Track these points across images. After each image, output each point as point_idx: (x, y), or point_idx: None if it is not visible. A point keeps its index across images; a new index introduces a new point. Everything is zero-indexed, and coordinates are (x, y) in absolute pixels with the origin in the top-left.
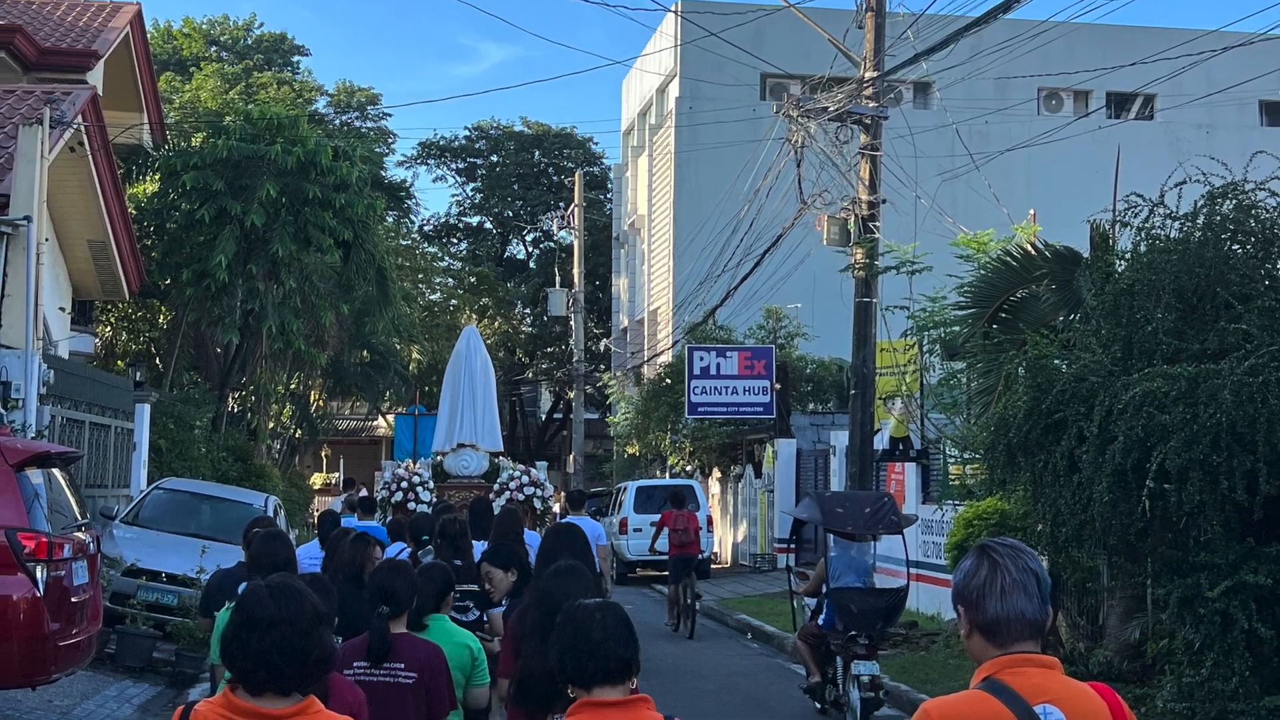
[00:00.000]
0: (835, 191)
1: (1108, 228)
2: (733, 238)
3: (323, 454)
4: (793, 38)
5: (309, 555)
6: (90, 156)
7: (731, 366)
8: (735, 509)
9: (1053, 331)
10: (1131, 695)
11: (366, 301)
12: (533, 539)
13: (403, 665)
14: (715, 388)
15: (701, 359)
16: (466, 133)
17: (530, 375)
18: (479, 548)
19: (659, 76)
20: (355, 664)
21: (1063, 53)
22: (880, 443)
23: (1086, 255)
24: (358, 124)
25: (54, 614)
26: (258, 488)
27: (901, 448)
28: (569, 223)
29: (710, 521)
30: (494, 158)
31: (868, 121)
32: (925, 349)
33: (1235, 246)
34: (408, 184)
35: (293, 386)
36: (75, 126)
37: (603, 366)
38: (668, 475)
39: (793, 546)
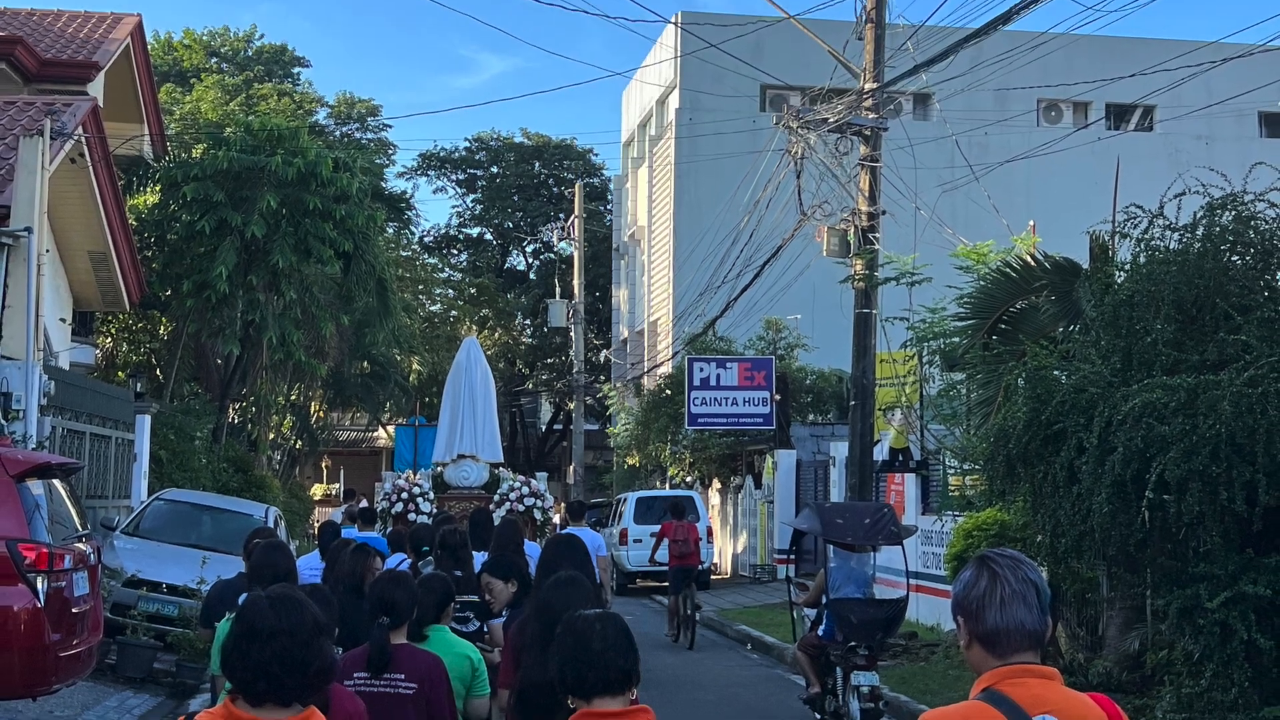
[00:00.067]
0: (835, 203)
1: (1107, 239)
2: (733, 249)
3: (323, 465)
4: (792, 49)
5: (309, 566)
6: (91, 168)
7: (731, 377)
8: (735, 520)
9: (1052, 342)
10: (1131, 706)
11: (367, 313)
12: (533, 550)
13: (403, 676)
14: (715, 399)
15: (701, 370)
16: (466, 144)
17: (530, 386)
18: (479, 559)
19: (659, 88)
20: (355, 675)
21: (1062, 64)
22: (880, 454)
23: (1086, 266)
24: (358, 135)
25: (55, 625)
26: (258, 499)
27: (901, 459)
28: (569, 234)
29: (710, 532)
30: (494, 169)
31: (867, 133)
32: (925, 360)
33: (1235, 258)
34: (408, 195)
35: (293, 397)
36: (76, 138)
37: (603, 377)
38: (668, 486)
39: (792, 557)
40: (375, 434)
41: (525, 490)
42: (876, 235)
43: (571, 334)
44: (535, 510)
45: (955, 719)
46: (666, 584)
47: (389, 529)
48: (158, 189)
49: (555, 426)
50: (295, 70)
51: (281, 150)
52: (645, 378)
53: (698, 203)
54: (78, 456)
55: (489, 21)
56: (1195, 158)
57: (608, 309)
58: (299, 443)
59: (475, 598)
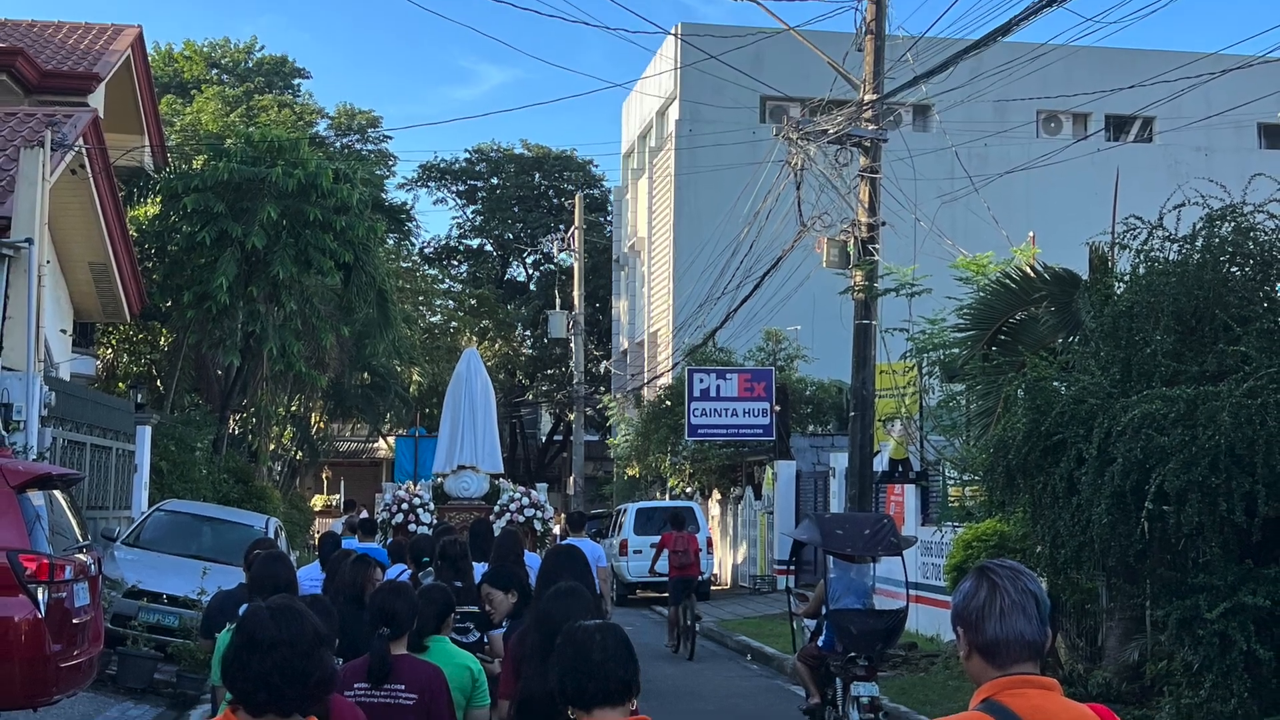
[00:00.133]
0: (835, 214)
1: (1106, 250)
2: (732, 260)
3: (323, 476)
4: (792, 60)
5: (310, 577)
6: (91, 179)
7: (731, 388)
8: (735, 531)
9: (1052, 353)
10: (1130, 717)
11: (367, 324)
12: (533, 561)
13: (403, 686)
14: (715, 410)
15: (701, 381)
16: (467, 155)
17: (530, 397)
18: (479, 569)
19: (659, 99)
20: (356, 685)
21: (1061, 75)
22: (880, 464)
23: (1085, 277)
24: (358, 146)
25: (55, 635)
26: (258, 509)
27: (901, 469)
28: (569, 245)
29: (710, 543)
30: (494, 180)
31: (867, 144)
32: (924, 371)
33: (1234, 269)
34: (408, 206)
35: (293, 408)
36: (76, 149)
37: (603, 388)
38: (668, 497)
39: (792, 568)
40: (375, 445)
41: (525, 501)
42: (876, 246)
43: (571, 345)
44: (535, 521)
45: None
46: (666, 595)
47: (389, 540)
48: (158, 200)
49: (555, 437)
50: (296, 82)
51: (282, 161)
52: (645, 389)
53: (698, 214)
54: (78, 467)
55: (489, 33)
56: (1194, 169)
57: (608, 320)
58: (299, 454)
59: (475, 608)
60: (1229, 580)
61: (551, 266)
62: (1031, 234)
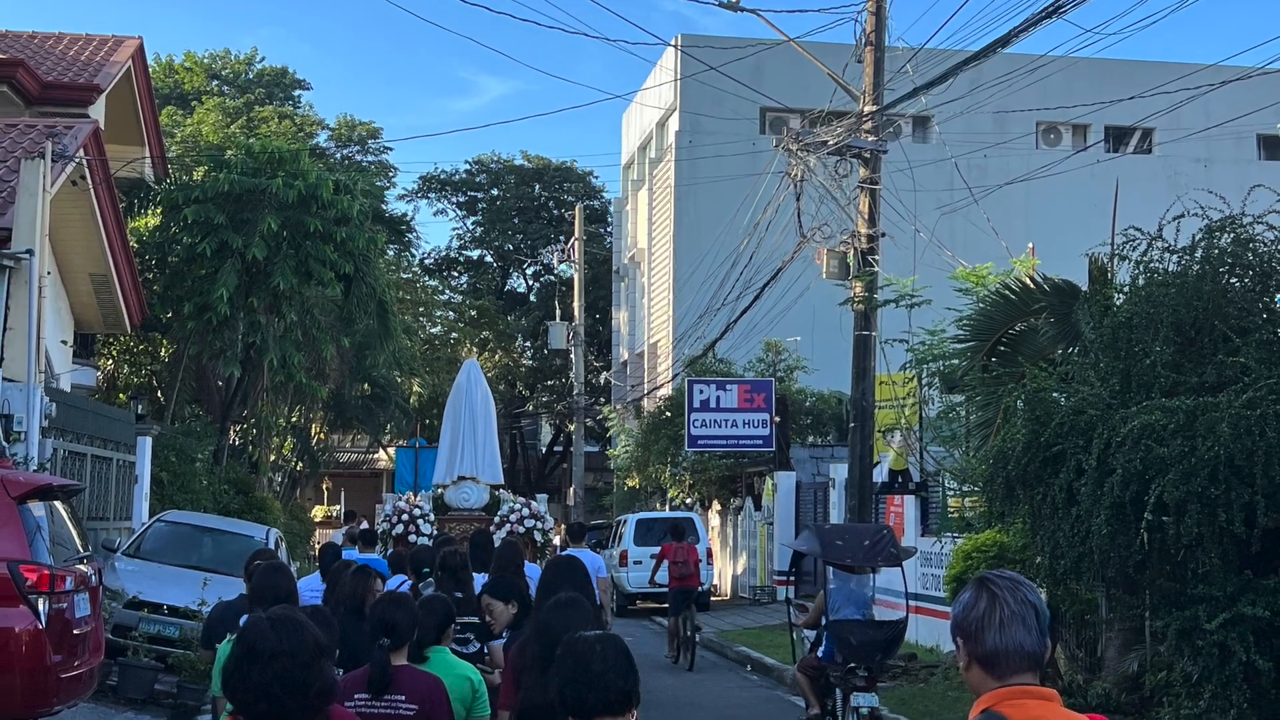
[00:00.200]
0: (834, 225)
1: (1106, 261)
2: (732, 271)
3: (324, 487)
4: (792, 72)
5: (310, 587)
6: (92, 190)
7: (731, 399)
8: (735, 541)
9: (1051, 364)
10: None
11: (367, 335)
12: (533, 571)
13: (404, 697)
14: (715, 421)
15: (701, 392)
16: (467, 166)
17: (530, 408)
18: (480, 580)
19: (659, 110)
20: (356, 696)
21: (1061, 87)
22: (879, 475)
23: (1085, 289)
24: (359, 158)
25: (56, 646)
26: (259, 520)
27: (901, 480)
28: (569, 256)
29: (710, 554)
30: (494, 191)
31: (867, 155)
32: (924, 382)
33: (1233, 280)
34: (408, 217)
35: (294, 419)
36: (77, 160)
37: (603, 399)
38: (668, 508)
39: (792, 579)
40: (376, 456)
41: (525, 512)
42: (876, 257)
43: (572, 356)
44: (535, 532)
45: None
46: (666, 605)
47: (390, 551)
48: (159, 211)
49: (555, 448)
50: (296, 93)
51: (282, 173)
52: (645, 399)
53: (697, 225)
54: (79, 478)
55: (489, 44)
56: (1194, 180)
57: (608, 331)
58: (300, 464)
59: (476, 619)
60: (1228, 591)
61: (551, 278)
62: (1031, 245)
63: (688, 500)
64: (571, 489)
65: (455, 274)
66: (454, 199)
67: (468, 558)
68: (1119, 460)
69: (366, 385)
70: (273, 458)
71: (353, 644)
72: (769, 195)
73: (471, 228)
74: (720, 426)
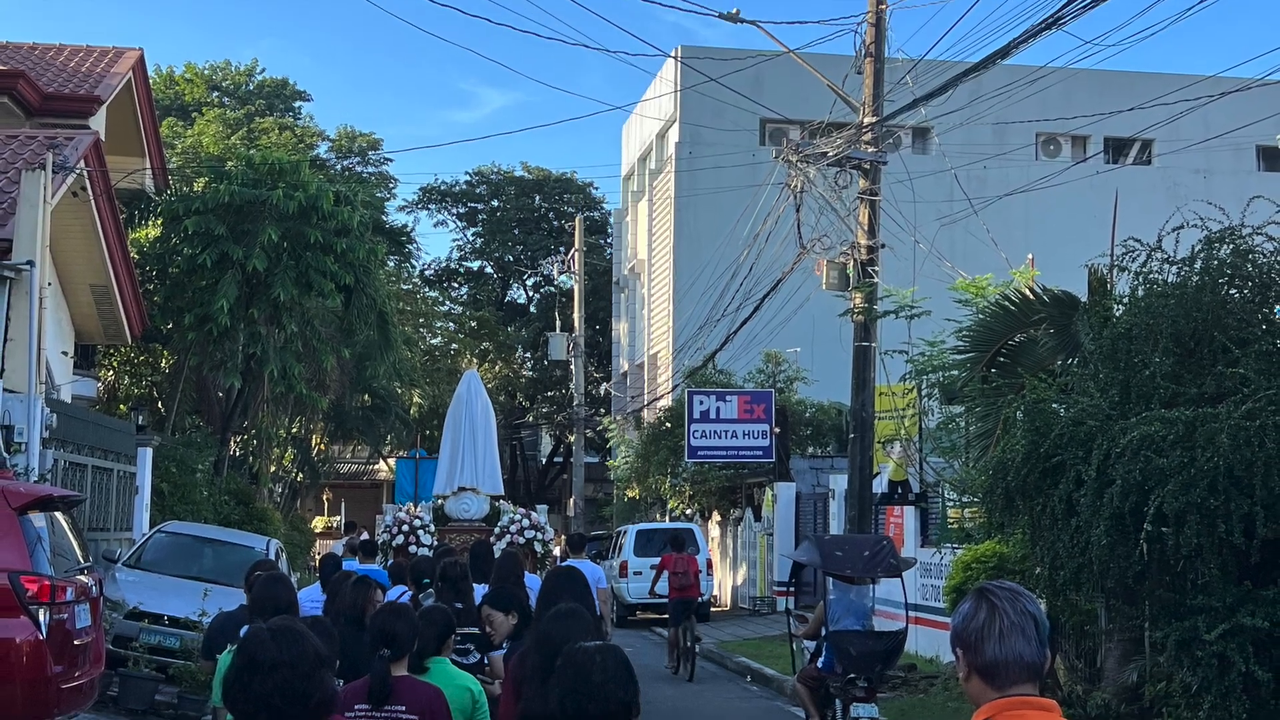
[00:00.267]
0: (834, 236)
1: (1105, 272)
2: (732, 282)
3: (324, 497)
4: (792, 83)
5: (311, 598)
6: (93, 201)
7: (731, 410)
8: (735, 552)
9: (1051, 375)
10: None
11: (368, 346)
12: (533, 582)
13: (404, 708)
14: (715, 431)
15: (701, 403)
16: (467, 177)
17: (531, 419)
18: (480, 591)
19: (659, 122)
20: (357, 706)
21: (1061, 98)
22: (879, 486)
23: (1084, 300)
24: (359, 169)
25: (57, 657)
26: (259, 531)
27: (900, 491)
28: (569, 267)
29: (710, 565)
30: (494, 202)
31: (866, 166)
32: (924, 393)
33: (1233, 291)
34: (409, 229)
35: (294, 430)
36: (78, 171)
37: (603, 410)
38: (668, 519)
39: (792, 589)
40: (376, 467)
41: (526, 523)
42: (876, 269)
43: (572, 367)
44: (535, 542)
45: None
46: (666, 616)
47: (390, 561)
48: (159, 222)
49: (555, 459)
50: (296, 104)
51: (283, 184)
52: (645, 410)
53: (697, 236)
54: (79, 489)
55: (489, 55)
56: (1193, 191)
57: (608, 342)
58: (300, 475)
59: (476, 630)
60: (1228, 602)
61: (552, 289)
62: (1030, 256)
63: (688, 511)
64: (571, 500)
65: (455, 285)
66: (454, 210)
67: (468, 568)
68: (1118, 471)
69: (367, 396)
70: (273, 469)
71: (353, 655)
72: (769, 206)
73: (471, 239)
74: (720, 437)
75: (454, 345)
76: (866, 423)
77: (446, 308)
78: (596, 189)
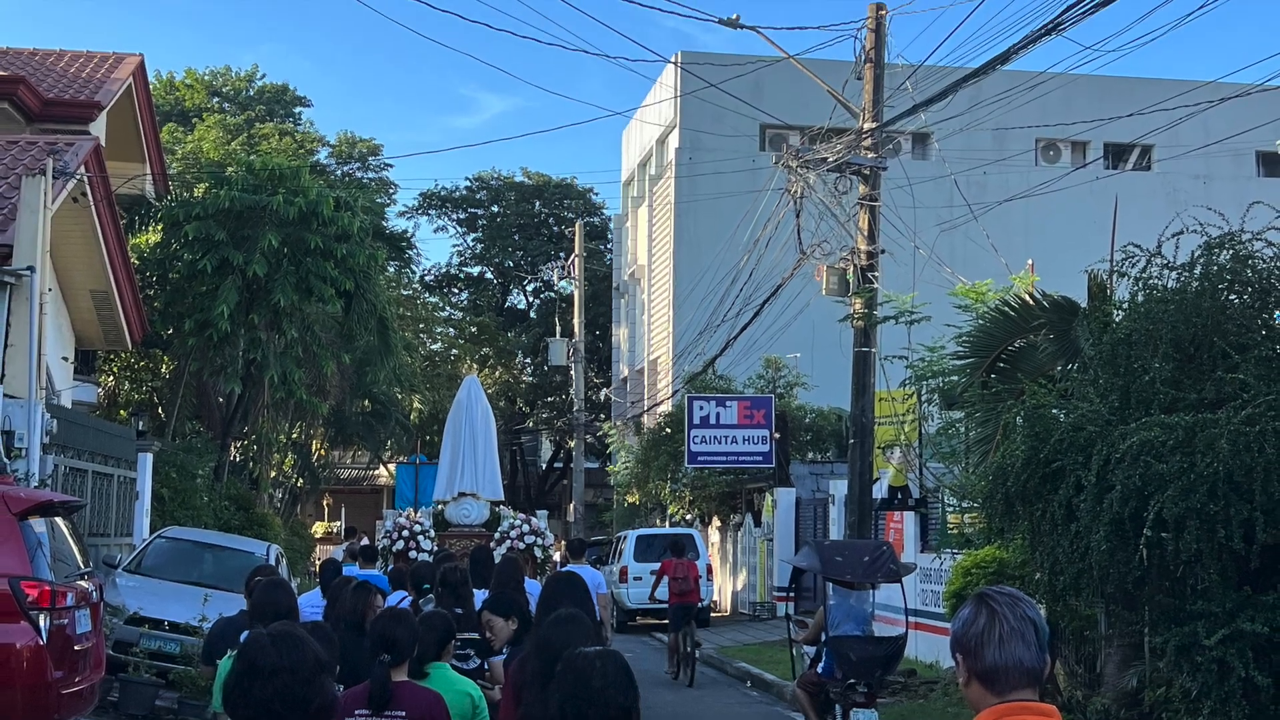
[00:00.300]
0: (834, 242)
1: (1105, 278)
2: (732, 288)
3: (324, 503)
4: (792, 89)
5: (311, 603)
6: (93, 207)
7: (731, 416)
8: (735, 557)
9: (1051, 381)
10: None
11: (368, 351)
12: (533, 587)
13: (404, 713)
14: (715, 437)
15: (701, 408)
16: (467, 183)
17: (531, 424)
18: (480, 596)
19: (659, 127)
20: (357, 712)
21: (1060, 104)
22: (879, 491)
23: (1084, 305)
24: (359, 174)
25: (57, 662)
26: (260, 536)
27: (900, 496)
28: (569, 273)
29: (710, 570)
30: (494, 208)
31: (866, 172)
32: (924, 398)
33: (1232, 296)
34: (409, 234)
35: (294, 435)
36: (78, 177)
37: (603, 416)
38: (667, 524)
39: (792, 595)
40: (376, 472)
41: (526, 528)
42: (875, 274)
43: (572, 372)
44: (536, 548)
45: None
46: (666, 621)
47: (390, 567)
48: (159, 228)
49: (556, 464)
50: (296, 110)
51: (283, 189)
52: (645, 416)
53: (697, 241)
54: (80, 494)
55: (489, 61)
56: (1193, 197)
57: (608, 347)
58: (300, 481)
59: (476, 635)
60: (1227, 607)
61: (552, 294)
62: (1030, 262)
63: (688, 516)
64: (572, 505)
65: (455, 290)
66: (454, 216)
67: (468, 574)
68: (1118, 476)
69: (367, 401)
70: (273, 474)
71: (353, 660)
72: (769, 212)
73: (472, 244)
74: (720, 443)
75: (454, 351)
76: (866, 428)
77: (447, 313)
78: (597, 194)
